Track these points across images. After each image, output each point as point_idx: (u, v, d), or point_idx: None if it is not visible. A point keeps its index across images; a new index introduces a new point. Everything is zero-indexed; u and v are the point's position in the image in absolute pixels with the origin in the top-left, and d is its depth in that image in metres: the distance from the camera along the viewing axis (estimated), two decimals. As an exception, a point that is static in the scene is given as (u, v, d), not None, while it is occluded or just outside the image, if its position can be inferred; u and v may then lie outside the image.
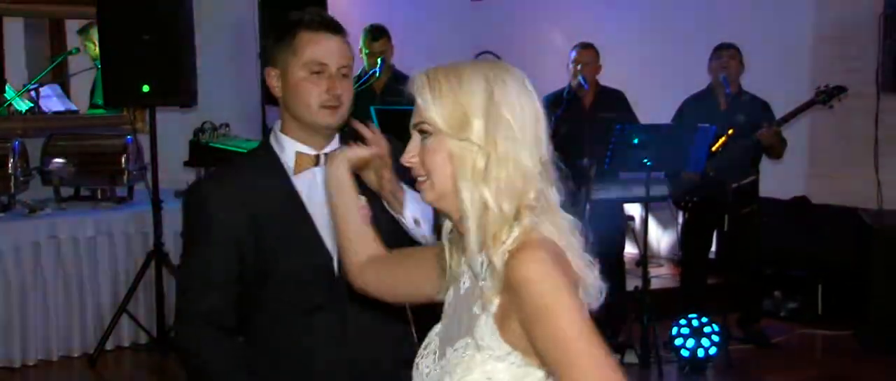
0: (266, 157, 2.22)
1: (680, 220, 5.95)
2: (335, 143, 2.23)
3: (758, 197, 5.58)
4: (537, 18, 7.88)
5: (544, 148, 1.60)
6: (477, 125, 1.56)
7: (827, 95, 5.26)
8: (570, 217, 1.61)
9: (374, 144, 2.05)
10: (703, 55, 5.63)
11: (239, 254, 2.15)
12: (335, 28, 2.17)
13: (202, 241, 2.18)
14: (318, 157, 2.19)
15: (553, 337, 1.48)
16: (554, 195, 1.60)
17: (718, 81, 5.48)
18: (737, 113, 5.45)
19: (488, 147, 1.56)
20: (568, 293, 1.48)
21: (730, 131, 5.29)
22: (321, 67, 2.13)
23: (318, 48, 2.13)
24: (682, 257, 6.00)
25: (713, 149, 5.22)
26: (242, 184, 2.19)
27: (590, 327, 1.48)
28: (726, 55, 5.49)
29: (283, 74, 2.17)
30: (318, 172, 2.19)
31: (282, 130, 2.22)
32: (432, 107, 1.58)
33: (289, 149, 2.19)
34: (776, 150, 5.45)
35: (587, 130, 5.33)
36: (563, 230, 1.58)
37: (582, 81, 5.43)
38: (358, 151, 1.95)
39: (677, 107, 5.68)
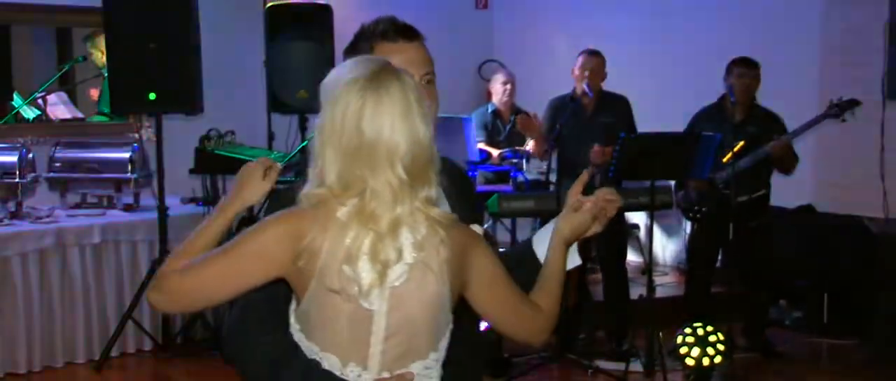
0: None
1: (687, 229, 5.94)
2: None
3: (768, 211, 5.55)
4: (541, 25, 7.89)
5: (373, 166, 1.67)
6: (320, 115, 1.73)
7: (840, 109, 5.23)
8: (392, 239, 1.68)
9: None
10: (710, 65, 5.61)
11: None
12: (412, 35, 2.03)
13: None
14: None
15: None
16: (384, 211, 1.67)
17: (744, 92, 5.35)
18: (749, 126, 5.41)
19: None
20: (256, 238, 1.70)
21: (741, 143, 5.26)
22: None
23: (399, 59, 1.93)
24: (687, 266, 5.99)
25: (723, 160, 5.20)
26: None
27: (233, 259, 1.70)
28: (750, 75, 5.40)
29: None
30: None
31: None
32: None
33: None
34: (787, 163, 5.41)
35: (588, 135, 5.33)
36: (351, 234, 1.67)
37: (586, 88, 5.43)
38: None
39: (684, 117, 5.64)
